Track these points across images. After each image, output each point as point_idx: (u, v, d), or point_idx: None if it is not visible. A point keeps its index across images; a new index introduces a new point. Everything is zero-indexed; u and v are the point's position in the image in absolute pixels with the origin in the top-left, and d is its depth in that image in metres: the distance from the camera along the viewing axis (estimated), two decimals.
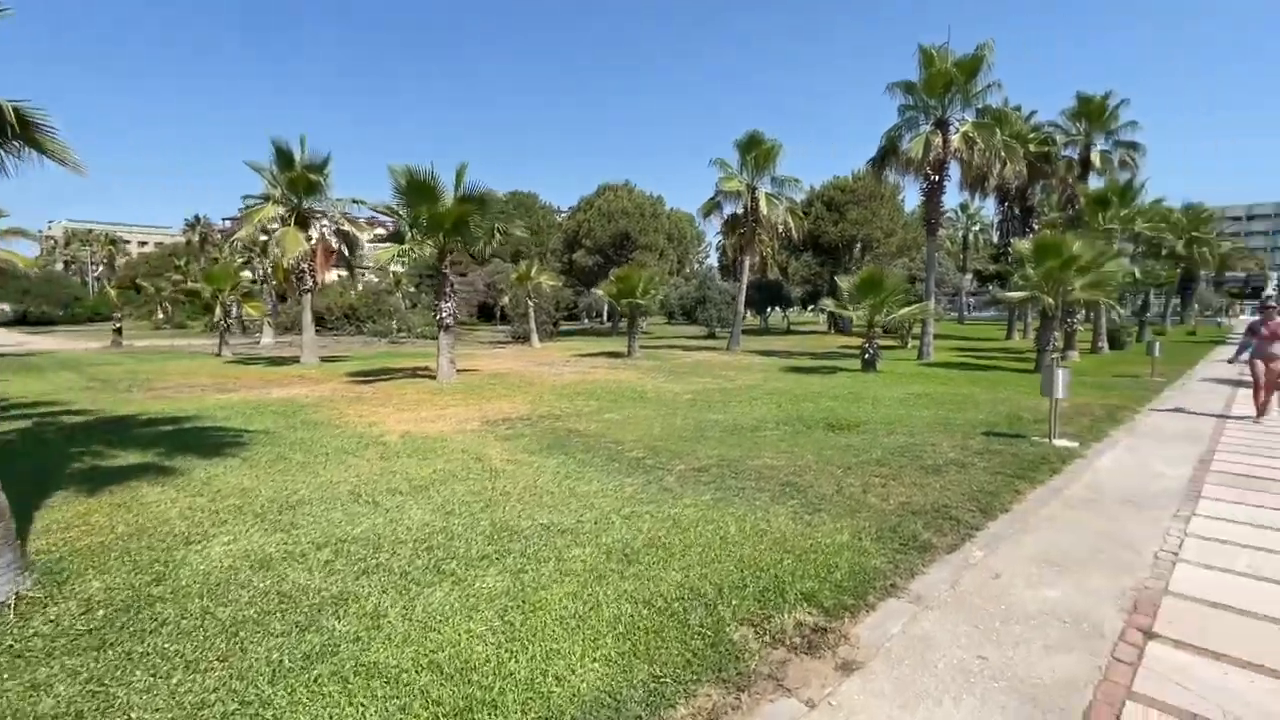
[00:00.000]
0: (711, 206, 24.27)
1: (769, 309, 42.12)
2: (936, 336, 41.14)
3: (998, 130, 18.37)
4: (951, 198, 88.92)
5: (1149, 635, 3.26)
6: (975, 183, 32.69)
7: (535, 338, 26.15)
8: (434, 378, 14.90)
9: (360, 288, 36.57)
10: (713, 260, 59.25)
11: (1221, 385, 14.31)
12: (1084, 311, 25.20)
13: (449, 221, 13.63)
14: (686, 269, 49.81)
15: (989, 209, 48.44)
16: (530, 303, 25.91)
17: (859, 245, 38.49)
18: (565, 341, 31.89)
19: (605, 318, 44.15)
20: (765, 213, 22.46)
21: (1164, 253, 35.08)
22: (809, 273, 38.15)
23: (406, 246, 13.72)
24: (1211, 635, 3.26)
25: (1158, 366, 16.25)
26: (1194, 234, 38.36)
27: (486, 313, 42.82)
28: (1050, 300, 16.37)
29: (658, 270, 34.19)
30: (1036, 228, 29.37)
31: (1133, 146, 29.18)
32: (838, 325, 40.98)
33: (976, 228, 57.35)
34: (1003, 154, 18.26)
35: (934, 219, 19.99)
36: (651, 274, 21.19)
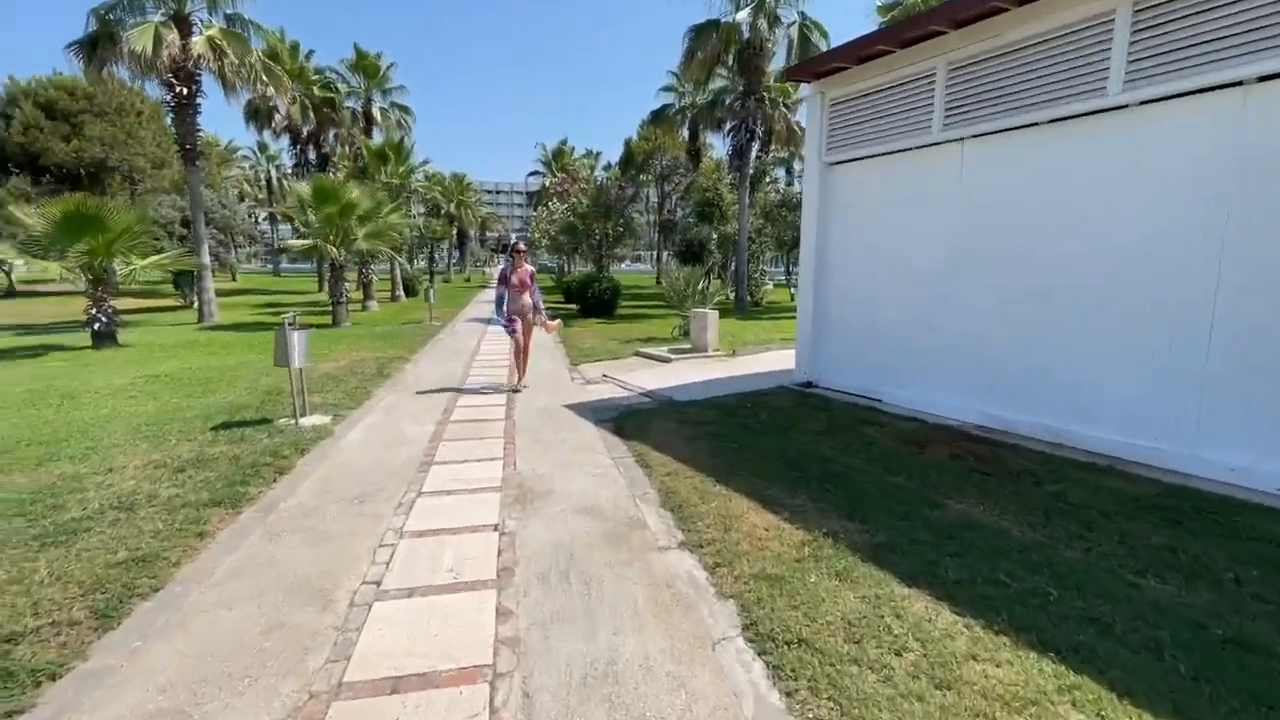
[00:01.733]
0: None
1: None
2: (242, 292, 36.33)
3: (255, 49, 15.66)
4: (246, 137, 79.47)
5: None
6: (260, 116, 29.36)
7: None
8: None
9: None
10: None
11: (479, 324, 16.95)
12: (389, 263, 26.48)
13: None
14: None
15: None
16: None
17: (117, 175, 29.02)
18: None
19: None
20: None
21: (442, 212, 41.33)
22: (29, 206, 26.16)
23: None
24: None
25: (435, 311, 18.03)
26: (461, 198, 46.83)
27: None
28: (334, 250, 15.45)
29: None
30: (341, 177, 28.77)
31: (405, 110, 31.98)
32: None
33: (287, 170, 53.60)
34: (264, 78, 15.75)
35: (189, 143, 15.78)
36: None
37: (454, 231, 45.94)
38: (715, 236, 23.93)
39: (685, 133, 34.36)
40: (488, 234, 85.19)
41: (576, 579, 3.26)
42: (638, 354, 10.77)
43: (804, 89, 7.25)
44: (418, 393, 7.92)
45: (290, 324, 6.05)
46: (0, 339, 14.02)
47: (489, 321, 17.61)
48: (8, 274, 34.81)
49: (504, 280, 8.05)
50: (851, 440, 5.56)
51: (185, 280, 27.53)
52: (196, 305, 17.08)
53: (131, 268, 12.06)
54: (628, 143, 36.54)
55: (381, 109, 31.18)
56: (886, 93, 6.74)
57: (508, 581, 3.23)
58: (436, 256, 41.59)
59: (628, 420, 6.43)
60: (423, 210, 33.75)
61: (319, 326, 16.27)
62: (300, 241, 15.43)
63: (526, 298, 8.07)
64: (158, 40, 13.80)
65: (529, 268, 8.19)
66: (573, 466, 5.06)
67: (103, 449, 5.42)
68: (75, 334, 14.33)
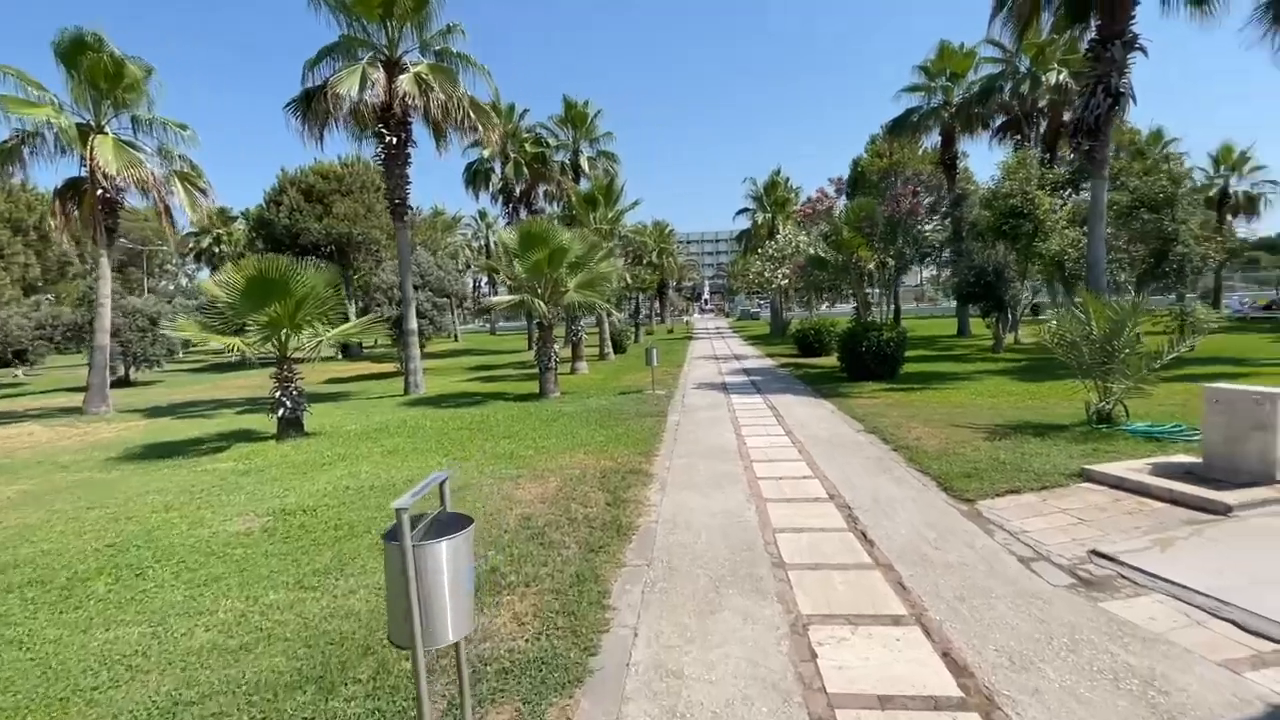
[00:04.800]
0: None
1: None
2: (461, 353, 37.29)
3: (461, 82, 13.76)
4: (469, 204, 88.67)
5: None
6: (478, 179, 29.67)
7: None
8: None
9: None
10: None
11: (713, 392, 12.81)
12: (593, 317, 24.13)
13: None
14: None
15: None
16: None
17: (360, 248, 31.15)
18: None
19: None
20: (113, 169, 12.75)
21: (645, 260, 39.28)
22: None
23: None
24: None
25: (656, 373, 14.30)
26: (663, 246, 44.85)
27: None
28: (542, 305, 12.47)
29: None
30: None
31: (612, 157, 30.44)
32: (346, 350, 32.84)
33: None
34: (472, 115, 13.74)
35: (399, 197, 14.27)
36: None
37: (656, 281, 43.81)
38: (1012, 261, 17.31)
39: (933, 141, 28.11)
40: (684, 283, 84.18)
41: None
42: (1086, 474, 5.43)
43: None
44: (707, 613, 3.56)
45: (422, 532, 2.04)
46: (218, 420, 13.12)
47: (724, 388, 13.38)
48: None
49: None
50: None
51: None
52: (404, 375, 15.34)
53: (319, 339, 9.94)
54: (856, 162, 31.07)
55: (589, 158, 29.94)
56: None
57: None
58: (640, 308, 39.52)
59: None
60: (622, 256, 31.79)
61: (524, 398, 13.41)
62: (504, 298, 12.78)
63: None
64: (363, 80, 12.30)
65: None
66: None
67: None
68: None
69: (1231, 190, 33.09)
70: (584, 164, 29.40)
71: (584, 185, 27.93)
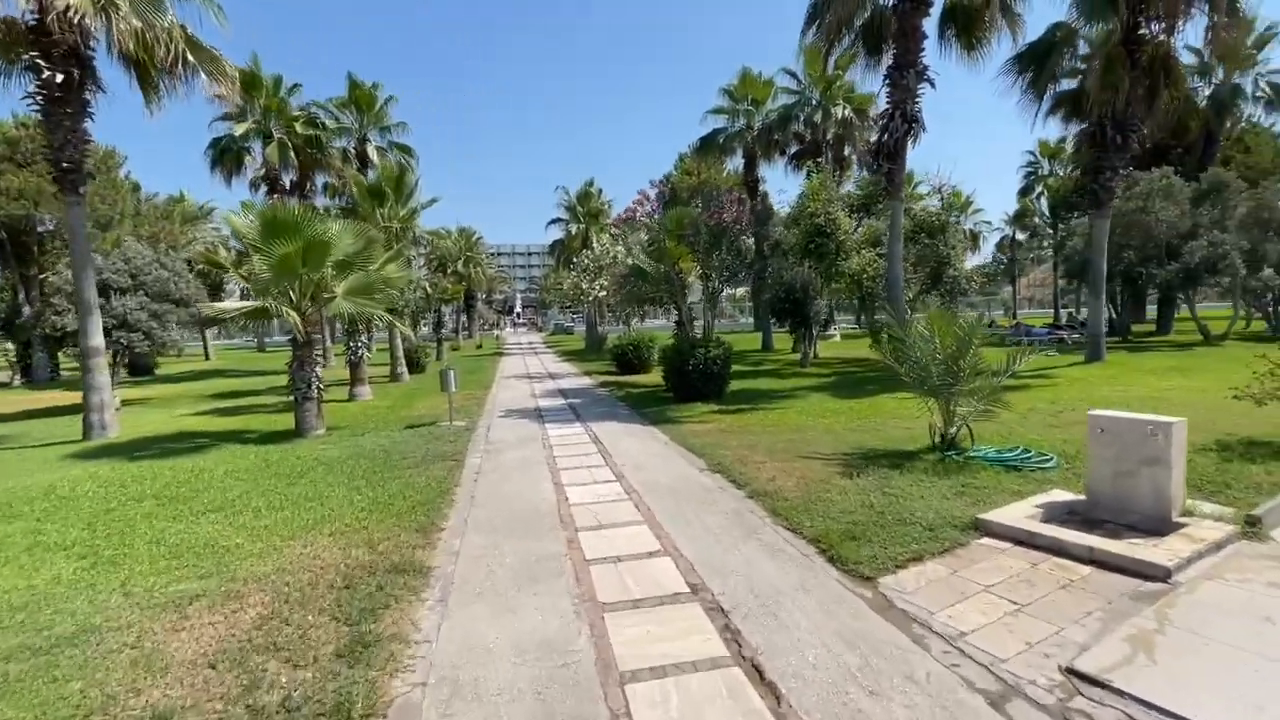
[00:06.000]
0: None
1: None
2: (210, 374, 29.97)
3: (173, 10, 10.07)
4: (224, 197, 75.10)
5: None
6: (227, 158, 24.09)
7: None
8: None
9: None
10: None
11: (526, 422, 10.77)
12: (388, 331, 20.47)
13: None
14: None
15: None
16: None
17: (53, 237, 23.49)
18: None
19: None
20: None
21: (450, 269, 35.74)
22: None
23: None
24: None
25: (456, 400, 11.82)
26: (470, 255, 41.53)
27: None
28: (295, 315, 9.38)
29: None
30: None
31: (407, 150, 26.92)
32: (28, 372, 24.58)
33: None
34: (190, 57, 10.08)
35: (69, 160, 9.96)
36: None
37: (462, 292, 40.22)
38: (817, 279, 17.93)
39: (739, 163, 29.24)
40: (494, 295, 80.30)
41: None
42: (982, 526, 4.47)
43: None
44: None
45: None
46: None
47: (539, 415, 11.42)
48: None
49: None
50: None
51: (141, 362, 21.42)
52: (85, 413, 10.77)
53: None
54: (667, 178, 31.34)
55: (379, 148, 26.06)
56: None
57: None
58: (445, 321, 35.81)
59: None
60: (423, 267, 28.17)
61: (274, 438, 10.07)
62: (236, 304, 9.40)
63: None
64: None
65: None
66: None
67: None
68: None
69: (962, 227, 39.98)
70: (372, 154, 25.47)
71: (372, 178, 24.14)
